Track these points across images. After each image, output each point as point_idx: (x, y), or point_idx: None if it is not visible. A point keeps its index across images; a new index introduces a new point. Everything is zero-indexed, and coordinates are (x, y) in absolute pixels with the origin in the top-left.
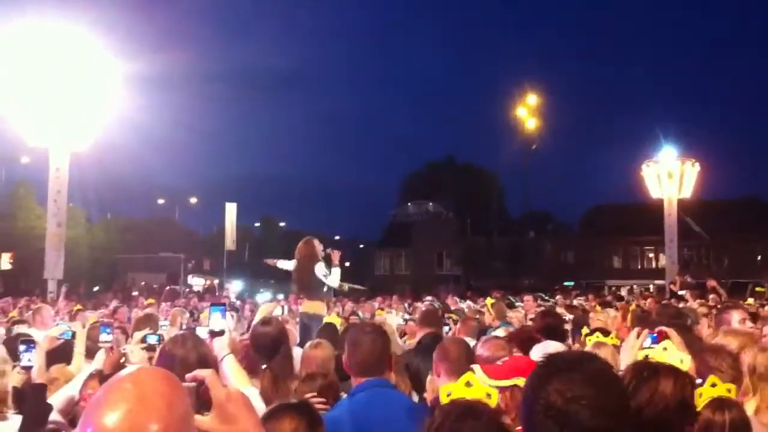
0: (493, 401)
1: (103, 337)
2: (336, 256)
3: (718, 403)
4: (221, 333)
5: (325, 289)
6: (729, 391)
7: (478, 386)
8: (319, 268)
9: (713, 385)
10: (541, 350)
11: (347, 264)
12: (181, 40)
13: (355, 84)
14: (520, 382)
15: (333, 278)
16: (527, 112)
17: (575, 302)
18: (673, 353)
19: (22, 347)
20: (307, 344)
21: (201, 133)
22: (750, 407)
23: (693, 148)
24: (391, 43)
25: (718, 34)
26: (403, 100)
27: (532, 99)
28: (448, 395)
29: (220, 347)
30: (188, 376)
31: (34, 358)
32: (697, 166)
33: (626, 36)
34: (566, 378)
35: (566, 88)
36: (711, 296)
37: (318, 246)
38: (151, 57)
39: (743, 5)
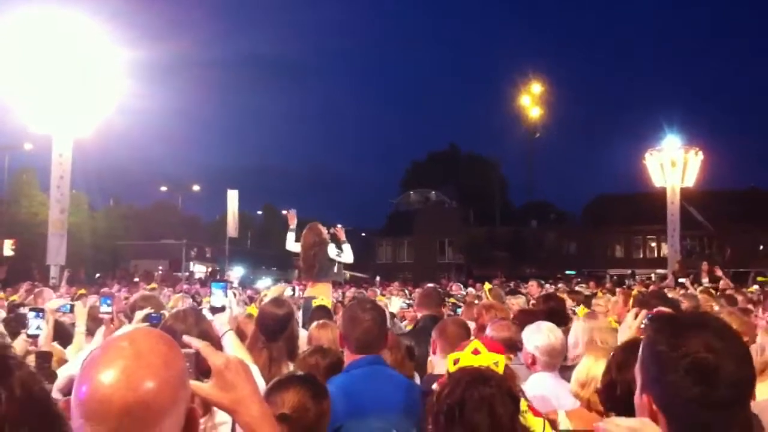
0: (500, 368)
1: (104, 308)
2: (341, 232)
3: None
4: (222, 309)
5: (335, 269)
6: None
7: (486, 354)
8: (331, 250)
9: None
10: (534, 330)
11: None
12: (184, 28)
13: (358, 73)
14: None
15: (346, 255)
16: (531, 100)
17: (576, 288)
18: None
19: (31, 314)
20: (313, 324)
21: (204, 121)
22: (758, 389)
23: (696, 137)
24: (394, 33)
25: (724, 22)
26: (406, 88)
27: (536, 88)
28: (455, 363)
29: (221, 323)
30: (184, 339)
31: (43, 326)
32: (701, 155)
33: (630, 25)
34: (705, 333)
35: (570, 77)
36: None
37: (323, 230)
38: (154, 45)
39: None
